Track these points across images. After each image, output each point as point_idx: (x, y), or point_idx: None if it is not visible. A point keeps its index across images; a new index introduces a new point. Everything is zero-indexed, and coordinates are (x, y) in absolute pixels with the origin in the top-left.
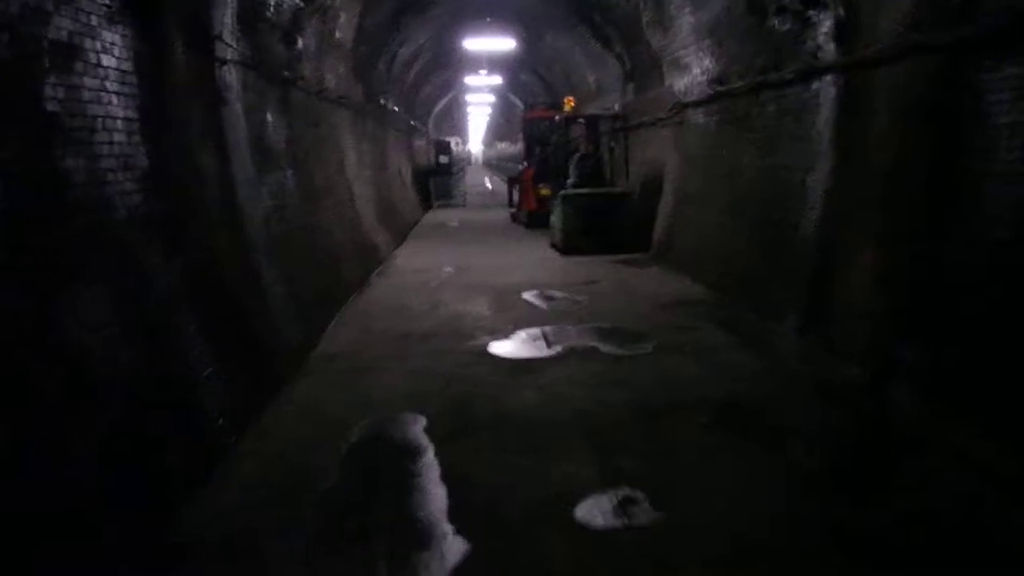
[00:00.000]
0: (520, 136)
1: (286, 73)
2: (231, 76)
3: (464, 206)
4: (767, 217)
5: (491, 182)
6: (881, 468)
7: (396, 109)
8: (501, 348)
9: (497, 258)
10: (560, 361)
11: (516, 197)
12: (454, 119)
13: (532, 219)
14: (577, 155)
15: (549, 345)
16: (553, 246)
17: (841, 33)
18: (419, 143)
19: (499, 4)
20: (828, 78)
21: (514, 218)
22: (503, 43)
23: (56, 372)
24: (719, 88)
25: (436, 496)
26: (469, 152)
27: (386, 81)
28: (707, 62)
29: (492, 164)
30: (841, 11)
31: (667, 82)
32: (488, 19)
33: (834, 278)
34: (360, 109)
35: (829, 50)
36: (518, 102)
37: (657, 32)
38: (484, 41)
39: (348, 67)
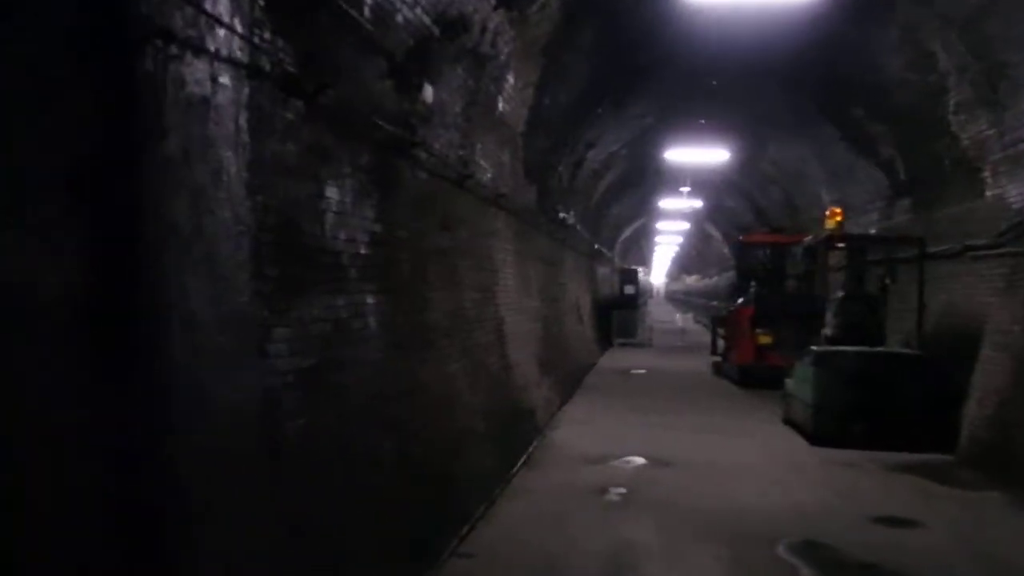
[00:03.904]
0: (717, 267)
1: (391, 129)
2: (212, 88)
3: (650, 346)
4: None
5: (681, 320)
6: None
7: (578, 227)
8: None
9: (708, 442)
10: None
11: (722, 343)
12: (641, 247)
13: (747, 375)
14: (840, 295)
15: None
16: (790, 423)
17: None
18: (602, 270)
19: (719, 102)
20: None
21: (718, 369)
22: (713, 155)
23: None
24: None
25: None
26: (651, 284)
27: (568, 190)
28: None
29: (677, 299)
30: None
31: (991, 191)
32: (703, 120)
33: None
34: (530, 218)
35: None
36: (715, 232)
37: (979, 117)
38: (690, 152)
39: (516, 158)
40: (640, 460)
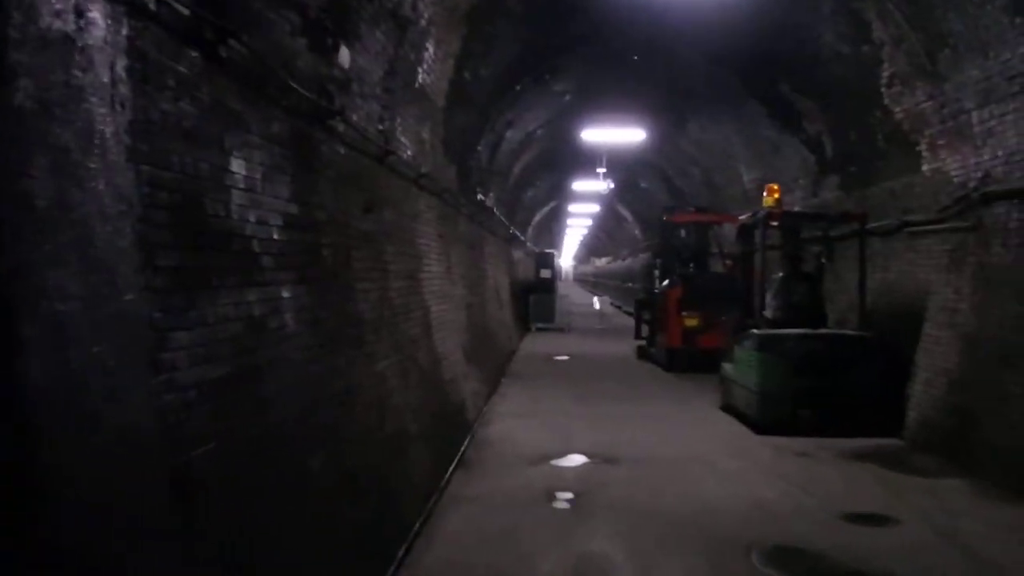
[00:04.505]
0: (630, 249)
1: (306, 94)
2: (76, 23)
3: (568, 331)
4: None
5: (599, 303)
6: None
7: (496, 210)
8: None
9: (650, 433)
10: None
11: (647, 326)
12: (552, 231)
13: (675, 359)
14: (780, 276)
15: None
16: (730, 409)
17: None
18: (517, 254)
19: (639, 80)
20: None
21: (643, 353)
22: (630, 135)
23: None
24: None
25: None
26: (561, 267)
27: (488, 171)
28: None
29: (587, 281)
30: None
31: (929, 165)
32: (622, 99)
33: None
34: (452, 200)
35: None
36: (627, 214)
37: (916, 90)
38: (607, 132)
39: (437, 136)
40: (583, 458)
